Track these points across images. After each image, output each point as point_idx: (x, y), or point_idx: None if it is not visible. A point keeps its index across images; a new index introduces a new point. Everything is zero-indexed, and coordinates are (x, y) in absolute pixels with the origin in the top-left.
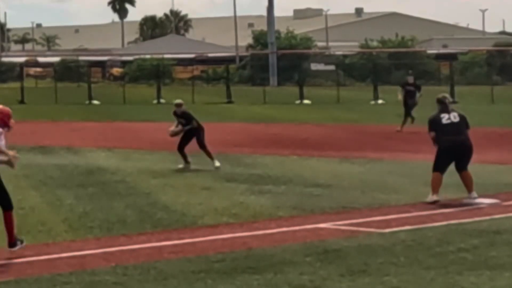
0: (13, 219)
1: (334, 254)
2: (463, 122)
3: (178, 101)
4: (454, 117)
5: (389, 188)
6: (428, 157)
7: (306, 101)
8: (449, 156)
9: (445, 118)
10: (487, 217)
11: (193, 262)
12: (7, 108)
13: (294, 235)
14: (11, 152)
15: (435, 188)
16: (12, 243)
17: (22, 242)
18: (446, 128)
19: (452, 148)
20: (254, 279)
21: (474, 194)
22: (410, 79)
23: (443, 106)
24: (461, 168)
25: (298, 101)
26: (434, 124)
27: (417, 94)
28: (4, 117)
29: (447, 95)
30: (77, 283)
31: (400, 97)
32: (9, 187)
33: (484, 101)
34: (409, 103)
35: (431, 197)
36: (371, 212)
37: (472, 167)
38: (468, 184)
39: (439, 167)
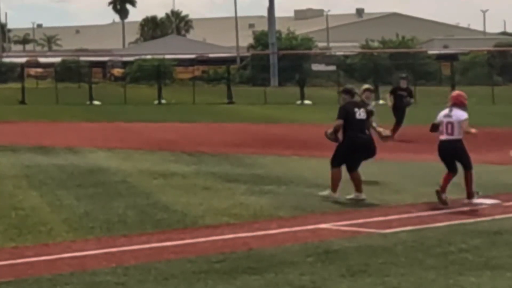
0: (471, 177)
1: (334, 255)
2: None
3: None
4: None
5: (389, 188)
6: (428, 157)
7: (307, 102)
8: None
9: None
10: (488, 218)
11: (193, 263)
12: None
13: (295, 236)
14: None
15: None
16: (469, 193)
17: (478, 193)
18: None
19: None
20: (255, 279)
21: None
22: (403, 84)
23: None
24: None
25: (299, 102)
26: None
27: (410, 100)
28: (463, 99)
29: None
30: (77, 284)
31: (390, 103)
32: (9, 187)
33: (485, 101)
34: (403, 110)
35: (335, 195)
36: (372, 212)
37: (474, 168)
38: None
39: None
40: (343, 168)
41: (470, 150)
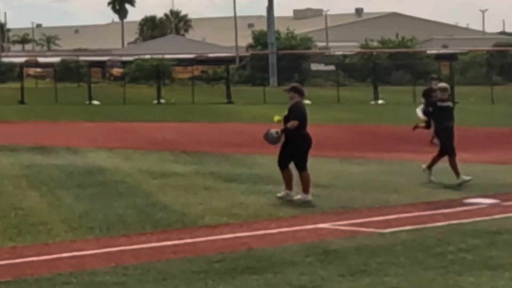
0: None
1: (334, 254)
2: None
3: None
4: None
5: (389, 188)
6: (427, 157)
7: (306, 101)
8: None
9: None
10: (487, 217)
11: (193, 262)
12: None
13: (294, 235)
14: None
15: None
16: None
17: None
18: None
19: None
20: (254, 279)
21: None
22: (435, 84)
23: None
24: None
25: None
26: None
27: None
28: None
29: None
30: (77, 283)
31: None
32: (8, 187)
33: (484, 101)
34: None
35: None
36: (371, 212)
37: (473, 167)
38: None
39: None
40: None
41: (468, 149)
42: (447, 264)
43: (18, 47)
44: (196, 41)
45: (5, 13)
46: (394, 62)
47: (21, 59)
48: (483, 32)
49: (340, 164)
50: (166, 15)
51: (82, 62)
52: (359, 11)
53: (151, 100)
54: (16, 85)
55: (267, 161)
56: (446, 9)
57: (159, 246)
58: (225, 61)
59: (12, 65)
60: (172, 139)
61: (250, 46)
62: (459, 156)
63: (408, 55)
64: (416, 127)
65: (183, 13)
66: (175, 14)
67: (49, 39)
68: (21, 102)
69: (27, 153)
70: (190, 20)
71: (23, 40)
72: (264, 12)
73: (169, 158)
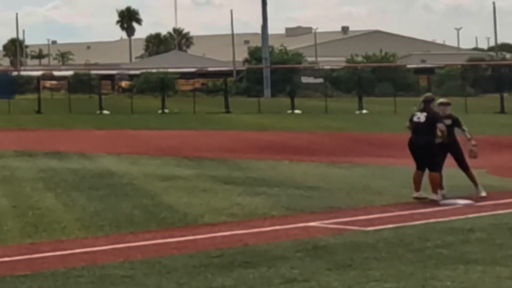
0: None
1: (322, 250)
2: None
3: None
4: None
5: (372, 190)
6: (407, 161)
7: (297, 111)
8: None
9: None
10: (462, 217)
11: (194, 257)
12: None
13: (286, 233)
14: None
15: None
16: None
17: None
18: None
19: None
20: (250, 272)
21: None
22: None
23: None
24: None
25: (289, 111)
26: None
27: None
28: None
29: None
30: (88, 277)
31: None
32: (26, 189)
33: (459, 111)
34: None
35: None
36: (356, 211)
37: (449, 170)
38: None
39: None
40: None
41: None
42: (425, 259)
43: (35, 61)
44: (197, 56)
45: (23, 31)
46: (377, 75)
47: (38, 73)
48: (458, 48)
49: (328, 168)
50: (169, 33)
51: (93, 75)
52: (345, 29)
53: (156, 110)
54: (33, 96)
55: (262, 165)
56: (424, 27)
57: (163, 242)
58: (224, 75)
59: (30, 78)
60: (175, 146)
61: (246, 61)
62: None
63: (390, 69)
64: None
65: (185, 30)
66: (177, 31)
67: (64, 55)
68: (38, 111)
69: (43, 158)
70: (191, 37)
71: (40, 55)
72: (259, 30)
73: (172, 162)
